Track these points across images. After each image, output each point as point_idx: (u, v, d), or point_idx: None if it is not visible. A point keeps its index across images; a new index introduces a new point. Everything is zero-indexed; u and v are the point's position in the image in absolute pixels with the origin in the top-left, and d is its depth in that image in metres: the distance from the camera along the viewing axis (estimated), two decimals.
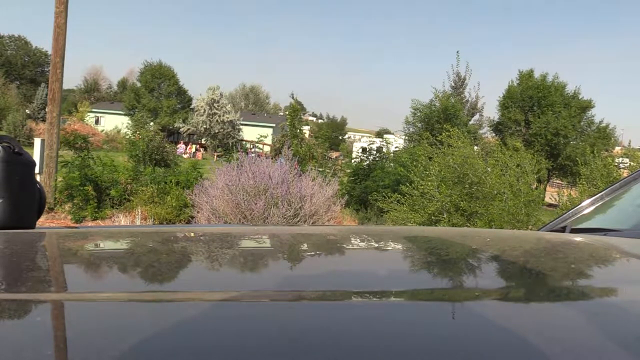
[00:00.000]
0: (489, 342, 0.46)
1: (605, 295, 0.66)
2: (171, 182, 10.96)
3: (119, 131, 37.13)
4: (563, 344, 0.46)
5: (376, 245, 1.07)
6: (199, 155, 35.30)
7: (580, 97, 30.99)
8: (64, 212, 10.59)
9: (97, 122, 45.29)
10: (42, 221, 8.30)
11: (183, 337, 0.43)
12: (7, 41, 60.44)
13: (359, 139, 54.70)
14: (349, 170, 16.81)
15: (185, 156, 29.10)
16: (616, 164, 11.15)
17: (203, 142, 39.82)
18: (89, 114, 45.02)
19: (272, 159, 10.43)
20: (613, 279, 0.79)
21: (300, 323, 0.49)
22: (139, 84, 45.62)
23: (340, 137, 75.09)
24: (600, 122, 31.35)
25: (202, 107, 39.37)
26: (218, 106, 39.34)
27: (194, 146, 38.64)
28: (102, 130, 38.69)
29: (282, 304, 0.56)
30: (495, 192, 8.48)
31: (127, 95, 45.74)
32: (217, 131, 39.00)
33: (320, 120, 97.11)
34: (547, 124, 29.15)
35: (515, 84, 31.80)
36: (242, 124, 41.15)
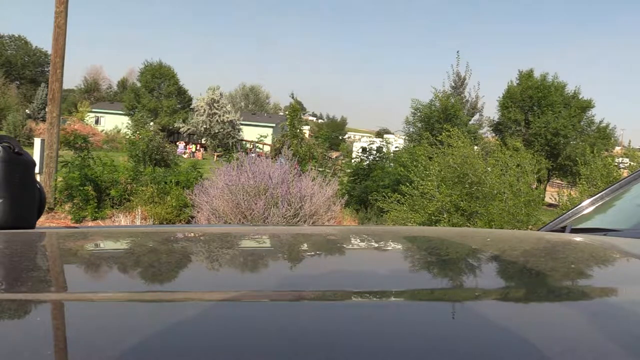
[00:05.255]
0: (489, 342, 0.46)
1: (605, 295, 0.66)
2: (171, 182, 10.96)
3: (119, 131, 37.13)
4: (563, 344, 0.46)
5: (376, 245, 1.07)
6: (199, 155, 35.30)
7: (580, 97, 31.00)
8: (64, 212, 10.59)
9: (97, 122, 45.30)
10: (42, 221, 8.29)
11: (183, 337, 0.43)
12: (7, 41, 60.46)
13: (359, 139, 54.69)
14: (349, 170, 16.81)
15: (185, 156, 29.10)
16: (616, 164, 11.16)
17: (203, 142, 39.82)
18: (89, 114, 45.04)
19: (272, 159, 10.43)
20: (613, 279, 0.79)
21: (300, 323, 0.49)
22: (139, 84, 45.63)
23: (340, 137, 75.02)
24: (600, 122, 31.36)
25: (202, 107, 39.37)
26: (218, 106, 39.33)
27: (193, 146, 38.64)
28: (102, 130, 38.70)
29: (282, 304, 0.56)
30: (495, 192, 8.49)
31: (127, 95, 45.74)
32: (217, 131, 38.99)
33: (320, 120, 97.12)
34: (547, 124, 29.15)
35: (515, 84, 31.80)
36: (242, 124, 41.14)
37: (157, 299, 0.56)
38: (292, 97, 18.32)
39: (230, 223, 7.12)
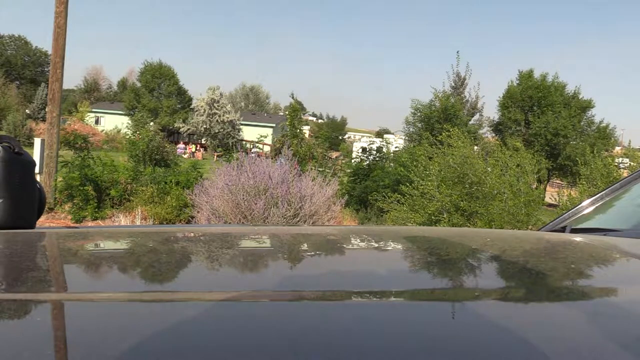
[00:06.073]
0: (489, 342, 0.46)
1: (605, 295, 0.66)
2: (171, 182, 10.96)
3: (119, 131, 37.14)
4: (563, 344, 0.46)
5: (376, 245, 1.07)
6: (199, 155, 35.30)
7: (580, 97, 31.01)
8: (64, 212, 10.59)
9: (97, 122, 45.32)
10: (42, 221, 8.30)
11: (183, 337, 0.43)
12: (7, 41, 60.49)
13: (359, 139, 54.66)
14: (349, 170, 16.81)
15: (185, 156, 29.10)
16: (616, 164, 11.15)
17: (203, 142, 39.82)
18: (89, 114, 45.05)
19: (272, 159, 10.43)
20: (613, 279, 0.79)
21: (300, 323, 0.49)
22: (139, 84, 45.66)
23: (340, 137, 75.07)
24: (600, 122, 31.38)
25: (202, 107, 39.38)
26: (218, 106, 39.34)
27: (193, 146, 38.65)
28: (102, 130, 38.71)
29: (282, 304, 0.56)
30: (495, 192, 8.48)
31: (127, 95, 45.77)
32: (217, 131, 39.00)
33: (320, 120, 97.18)
34: (547, 124, 29.16)
35: (515, 84, 31.81)
36: (242, 124, 41.16)
37: (157, 299, 0.56)
38: (292, 97, 18.31)
39: (230, 223, 7.12)
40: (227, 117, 39.38)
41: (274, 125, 42.14)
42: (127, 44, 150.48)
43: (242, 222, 7.27)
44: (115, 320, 0.49)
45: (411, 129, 25.18)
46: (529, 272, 0.79)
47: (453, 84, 24.71)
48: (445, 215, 8.90)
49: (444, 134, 10.14)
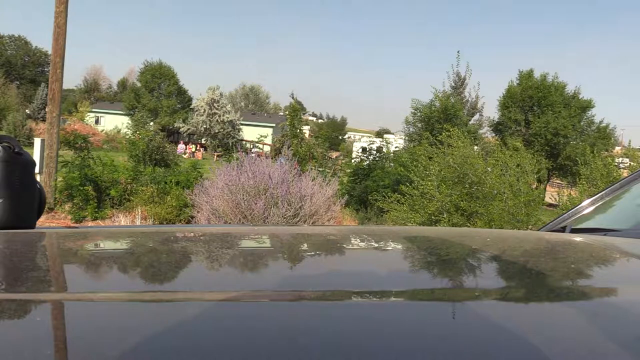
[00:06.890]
0: (489, 342, 0.46)
1: (605, 295, 0.66)
2: (171, 182, 10.96)
3: (119, 131, 37.16)
4: (563, 344, 0.46)
5: (376, 245, 1.07)
6: (199, 155, 35.29)
7: (580, 97, 30.99)
8: (64, 212, 10.59)
9: (97, 122, 45.31)
10: (42, 221, 8.29)
11: (183, 337, 0.43)
12: (7, 41, 60.50)
13: (359, 139, 54.64)
14: (349, 170, 16.80)
15: (185, 156, 29.10)
16: (616, 164, 11.16)
17: (203, 142, 39.83)
18: (89, 114, 45.06)
19: (272, 159, 10.43)
20: (613, 279, 0.79)
21: (300, 323, 0.49)
22: (139, 84, 45.64)
23: (340, 137, 75.07)
24: (600, 122, 31.35)
25: (202, 107, 39.38)
26: (218, 106, 39.34)
27: (193, 146, 38.64)
28: (102, 130, 38.71)
29: (282, 304, 0.56)
30: (495, 192, 8.48)
31: (127, 95, 45.77)
32: (217, 131, 39.00)
33: (320, 120, 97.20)
34: (547, 124, 29.14)
35: (515, 84, 31.78)
36: (242, 124, 41.16)
37: (157, 299, 0.56)
38: (292, 97, 18.31)
39: (230, 223, 7.12)
40: (227, 117, 39.38)
41: (274, 125, 42.11)
42: (127, 44, 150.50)
43: (242, 222, 7.27)
44: (115, 320, 0.49)
45: (411, 129, 25.17)
46: (529, 272, 0.79)
47: (453, 84, 24.71)
48: (445, 215, 8.89)
49: (444, 134, 10.13)
